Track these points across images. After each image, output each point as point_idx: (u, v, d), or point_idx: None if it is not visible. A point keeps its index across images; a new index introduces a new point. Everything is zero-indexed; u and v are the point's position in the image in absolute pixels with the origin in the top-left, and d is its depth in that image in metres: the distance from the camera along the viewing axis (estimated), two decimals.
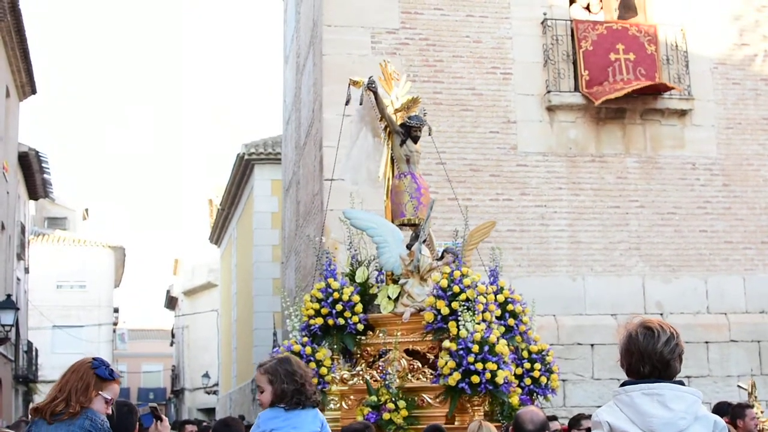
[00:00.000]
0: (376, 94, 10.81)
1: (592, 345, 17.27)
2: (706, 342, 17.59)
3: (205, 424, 17.62)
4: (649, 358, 4.34)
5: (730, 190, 18.45)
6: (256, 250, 31.60)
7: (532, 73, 18.12)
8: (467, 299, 9.61)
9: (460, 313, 9.51)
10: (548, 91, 17.95)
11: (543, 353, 10.50)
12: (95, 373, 5.79)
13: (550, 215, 17.74)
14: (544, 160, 17.91)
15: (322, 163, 17.23)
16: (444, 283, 9.77)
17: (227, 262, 42.00)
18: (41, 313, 44.55)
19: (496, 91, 17.95)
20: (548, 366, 10.47)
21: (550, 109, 18.00)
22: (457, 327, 9.48)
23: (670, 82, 18.25)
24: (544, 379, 10.35)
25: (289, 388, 6.15)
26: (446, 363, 9.36)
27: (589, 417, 11.36)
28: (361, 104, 10.93)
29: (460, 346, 9.30)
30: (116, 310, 56.93)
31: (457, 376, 9.21)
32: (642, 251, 17.95)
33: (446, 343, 9.47)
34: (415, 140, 10.98)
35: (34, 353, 38.00)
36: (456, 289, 9.66)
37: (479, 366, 9.17)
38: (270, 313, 29.91)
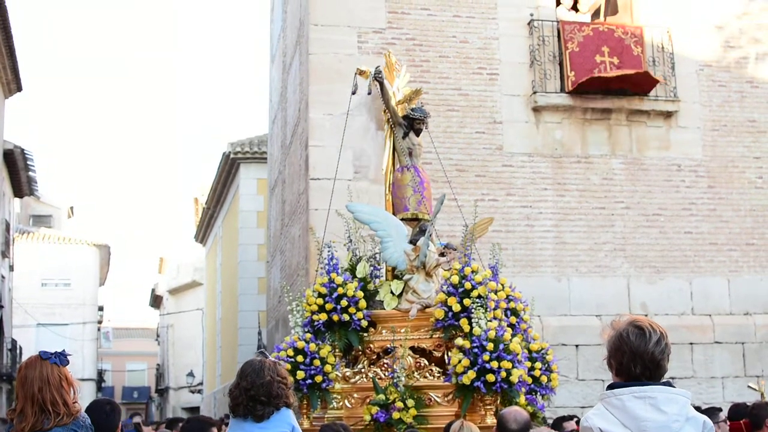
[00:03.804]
0: (382, 85, 10.74)
1: (576, 346, 17.28)
2: (691, 343, 17.63)
3: None
4: (641, 358, 4.25)
5: (715, 191, 18.49)
6: (241, 249, 31.53)
7: (518, 73, 18.13)
8: (479, 296, 9.49)
9: (473, 310, 9.35)
10: (534, 92, 17.96)
11: (543, 352, 10.44)
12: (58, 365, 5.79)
13: (536, 216, 17.75)
14: (530, 160, 17.92)
15: (308, 162, 17.20)
16: (455, 279, 9.62)
17: (212, 261, 41.91)
18: (26, 311, 44.43)
19: (482, 92, 17.95)
20: (548, 365, 10.41)
21: (536, 109, 18.01)
22: (470, 324, 9.35)
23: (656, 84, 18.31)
24: (544, 378, 10.27)
25: (232, 402, 6.22)
26: (460, 361, 9.23)
27: (571, 418, 11.35)
28: (369, 94, 10.86)
29: (475, 344, 9.17)
30: (101, 309, 56.81)
31: (472, 374, 9.08)
32: (627, 252, 17.98)
33: (459, 341, 9.32)
34: (418, 133, 10.93)
35: (18, 351, 37.91)
36: (468, 285, 9.52)
37: (494, 364, 9.05)
38: (255, 312, 29.86)
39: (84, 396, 39.97)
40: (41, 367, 5.69)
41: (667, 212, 18.22)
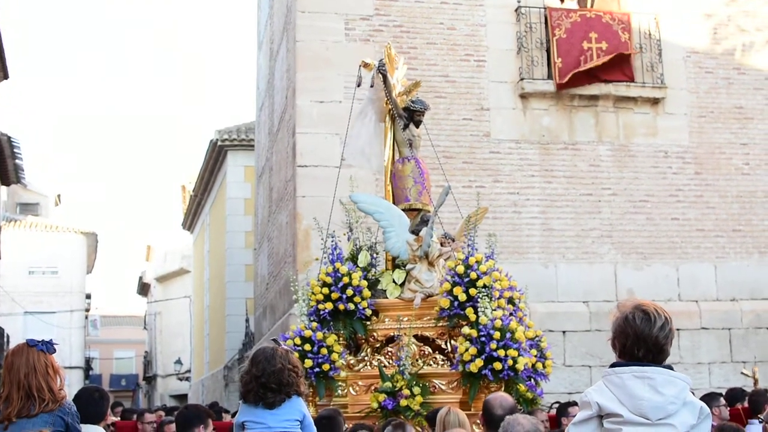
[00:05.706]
0: (385, 77, 10.84)
1: (563, 332, 17.32)
2: (677, 329, 17.51)
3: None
4: (644, 341, 4.35)
5: (702, 178, 18.53)
6: (228, 237, 31.52)
7: (505, 60, 18.13)
8: (485, 286, 9.61)
9: (479, 299, 9.50)
10: (521, 79, 17.96)
11: (537, 339, 10.53)
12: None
13: (523, 202, 17.77)
14: (517, 147, 17.94)
15: (295, 149, 17.19)
16: (461, 269, 9.76)
17: (200, 249, 41.86)
18: (13, 299, 44.28)
19: (469, 79, 17.95)
20: (542, 352, 10.49)
21: (524, 96, 18.02)
22: (476, 313, 9.49)
23: (643, 70, 18.32)
24: (539, 365, 10.34)
25: (244, 389, 6.21)
26: (467, 350, 9.35)
27: (575, 404, 11.41)
28: (372, 86, 10.95)
29: (482, 333, 9.30)
30: (88, 297, 56.61)
31: (479, 362, 9.23)
32: (614, 239, 18.02)
33: (466, 330, 9.46)
34: (417, 124, 11.08)
35: (5, 339, 37.82)
36: (473, 275, 9.66)
37: (501, 353, 9.20)
38: (242, 299, 29.86)
39: (72, 384, 39.92)
40: (28, 354, 5.73)
41: (654, 199, 18.26)
